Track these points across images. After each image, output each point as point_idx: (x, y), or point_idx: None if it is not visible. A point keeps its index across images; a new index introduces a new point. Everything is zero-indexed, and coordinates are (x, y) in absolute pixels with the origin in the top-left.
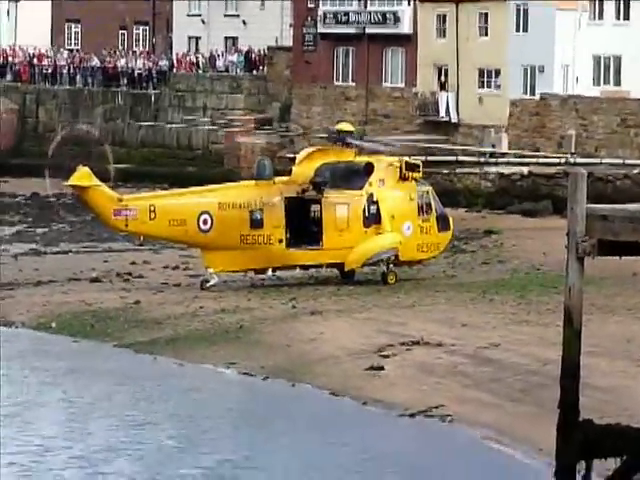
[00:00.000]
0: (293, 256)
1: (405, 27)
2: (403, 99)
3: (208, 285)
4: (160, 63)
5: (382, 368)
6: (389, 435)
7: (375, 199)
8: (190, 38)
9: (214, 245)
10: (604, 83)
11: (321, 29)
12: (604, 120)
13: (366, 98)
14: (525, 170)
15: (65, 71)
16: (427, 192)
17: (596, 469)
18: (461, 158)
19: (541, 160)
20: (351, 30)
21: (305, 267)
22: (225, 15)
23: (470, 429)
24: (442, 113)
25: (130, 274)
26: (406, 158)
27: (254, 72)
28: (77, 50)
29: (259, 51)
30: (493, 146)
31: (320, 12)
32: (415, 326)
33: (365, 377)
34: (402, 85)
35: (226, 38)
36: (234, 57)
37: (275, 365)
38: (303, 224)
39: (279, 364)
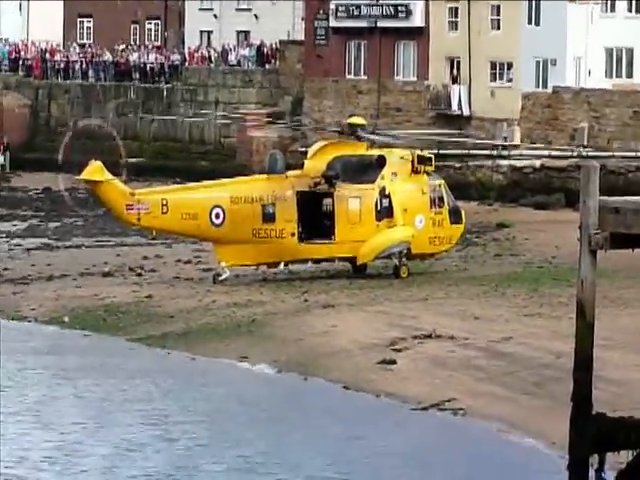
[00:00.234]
0: (305, 250)
1: (417, 20)
2: (415, 92)
3: (220, 279)
4: (172, 57)
5: (394, 362)
6: (403, 428)
7: (387, 192)
8: (202, 32)
9: (226, 239)
10: (616, 76)
11: (333, 23)
12: (616, 113)
13: (378, 92)
14: (537, 163)
15: (77, 66)
16: (439, 185)
17: (609, 462)
18: (473, 151)
19: (553, 153)
20: (363, 23)
21: (317, 261)
22: (237, 9)
23: (483, 422)
24: (454, 106)
25: (142, 268)
26: (418, 151)
27: (266, 66)
28: (89, 45)
29: (271, 45)
30: (505, 139)
31: (332, 5)
32: (427, 319)
33: (377, 371)
34: (414, 78)
35: (238, 32)
36: (246, 51)
37: (287, 359)
38: (315, 218)
39: (291, 358)
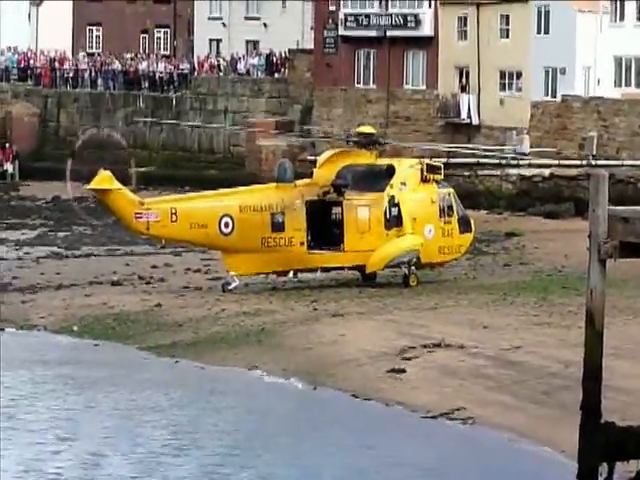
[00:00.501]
0: (314, 259)
1: (426, 29)
2: (424, 101)
3: (229, 288)
4: (181, 66)
5: (404, 370)
6: (413, 438)
7: (396, 201)
8: (211, 41)
9: (235, 248)
10: (625, 85)
11: (342, 32)
12: (625, 122)
13: (387, 101)
14: (547, 172)
15: (86, 75)
16: (448, 194)
17: (618, 471)
18: (482, 160)
19: (562, 162)
20: (372, 33)
21: (326, 269)
22: (246, 18)
23: (492, 431)
24: (463, 115)
25: (152, 277)
26: (427, 160)
27: (275, 75)
28: (98, 54)
29: (280, 54)
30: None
31: (341, 15)
32: (437, 328)
33: (387, 379)
34: (423, 87)
35: (247, 41)
36: (255, 60)
37: (297, 368)
38: (324, 227)
39: (301, 367)
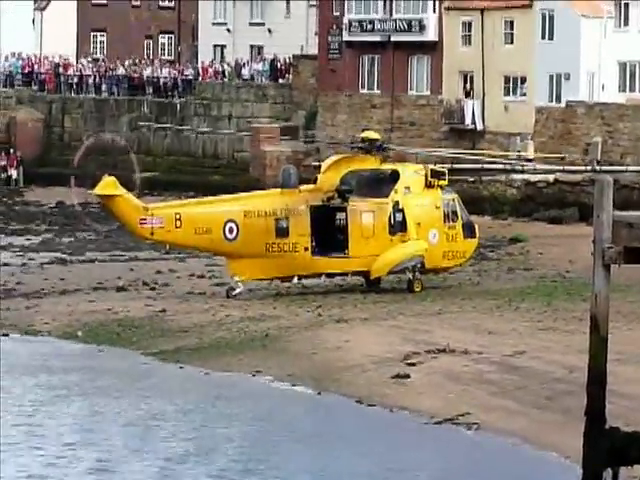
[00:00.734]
0: (319, 264)
1: (430, 35)
2: (429, 107)
3: (234, 293)
4: (185, 72)
5: (408, 376)
6: (418, 443)
7: (401, 207)
8: (215, 47)
9: (239, 253)
10: (630, 90)
11: (346, 37)
12: (630, 127)
13: (391, 106)
14: (551, 177)
15: (91, 80)
16: (453, 199)
17: (622, 476)
18: (487, 166)
19: (567, 167)
20: (376, 38)
21: (331, 275)
22: (250, 23)
23: (497, 437)
24: (468, 121)
25: (156, 282)
26: (431, 166)
27: (279, 80)
28: (103, 59)
29: (284, 59)
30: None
31: (345, 20)
32: (441, 334)
33: (391, 385)
34: (427, 93)
35: (251, 46)
36: (259, 65)
37: (301, 373)
38: (329, 232)
39: (305, 372)
